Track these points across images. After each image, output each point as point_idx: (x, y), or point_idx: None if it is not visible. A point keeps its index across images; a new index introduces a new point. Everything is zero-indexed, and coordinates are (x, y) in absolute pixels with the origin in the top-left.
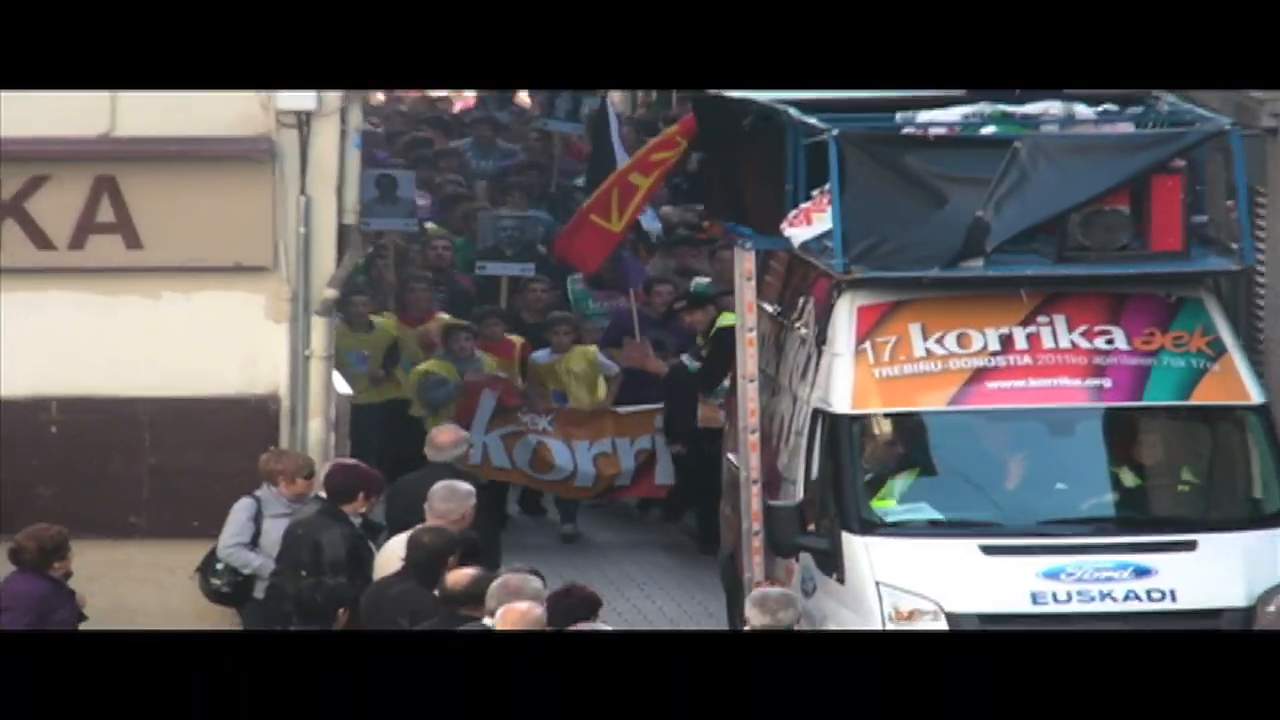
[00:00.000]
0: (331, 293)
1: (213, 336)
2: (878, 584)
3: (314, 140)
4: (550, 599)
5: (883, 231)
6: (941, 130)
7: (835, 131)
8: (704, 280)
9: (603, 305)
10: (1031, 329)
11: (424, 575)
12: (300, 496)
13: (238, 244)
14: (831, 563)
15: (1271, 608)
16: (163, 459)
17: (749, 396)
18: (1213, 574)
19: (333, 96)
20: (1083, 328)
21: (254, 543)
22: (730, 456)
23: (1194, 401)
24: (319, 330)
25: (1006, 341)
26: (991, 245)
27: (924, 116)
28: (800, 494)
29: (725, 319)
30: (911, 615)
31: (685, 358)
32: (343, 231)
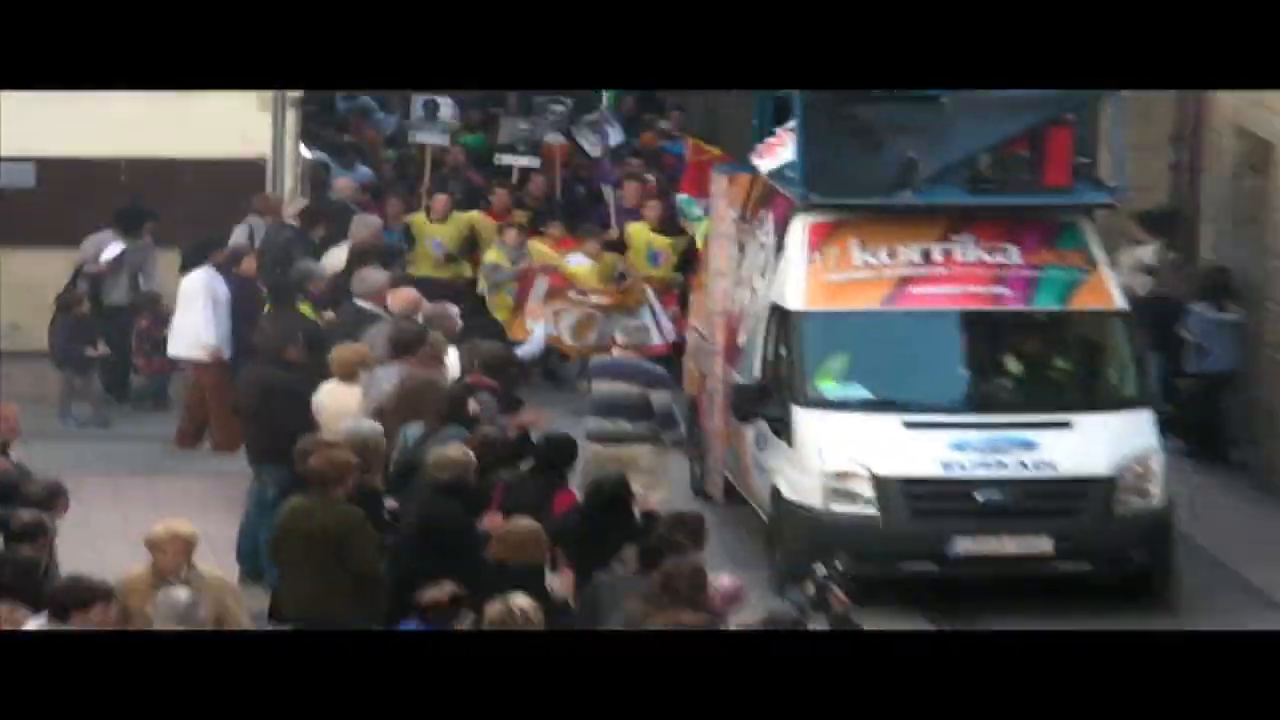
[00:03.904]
0: None
1: None
2: (820, 449)
3: None
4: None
5: (835, 167)
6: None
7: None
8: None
9: (701, 208)
10: (946, 245)
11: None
12: None
13: None
14: (783, 429)
15: (1129, 473)
16: None
17: (719, 288)
18: (1085, 448)
19: None
20: (986, 245)
21: None
22: (696, 325)
23: (1073, 307)
24: None
25: (926, 255)
26: (919, 180)
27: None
28: (757, 367)
29: None
30: (845, 476)
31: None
32: None
